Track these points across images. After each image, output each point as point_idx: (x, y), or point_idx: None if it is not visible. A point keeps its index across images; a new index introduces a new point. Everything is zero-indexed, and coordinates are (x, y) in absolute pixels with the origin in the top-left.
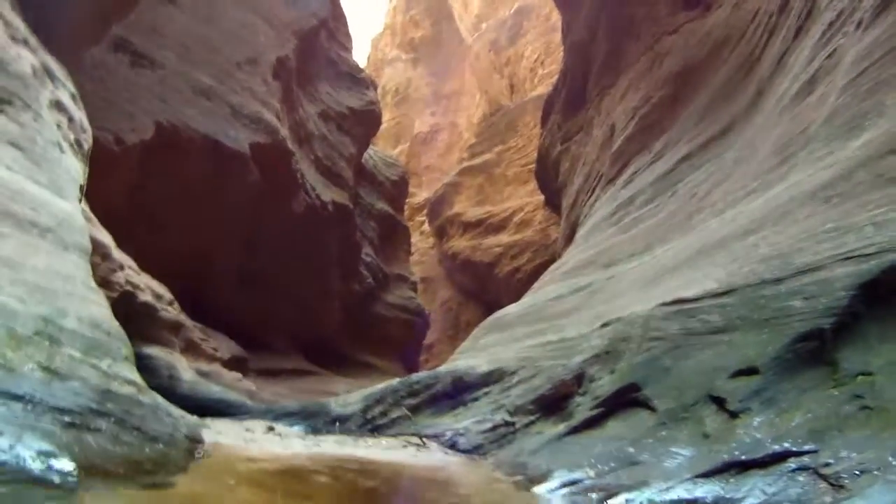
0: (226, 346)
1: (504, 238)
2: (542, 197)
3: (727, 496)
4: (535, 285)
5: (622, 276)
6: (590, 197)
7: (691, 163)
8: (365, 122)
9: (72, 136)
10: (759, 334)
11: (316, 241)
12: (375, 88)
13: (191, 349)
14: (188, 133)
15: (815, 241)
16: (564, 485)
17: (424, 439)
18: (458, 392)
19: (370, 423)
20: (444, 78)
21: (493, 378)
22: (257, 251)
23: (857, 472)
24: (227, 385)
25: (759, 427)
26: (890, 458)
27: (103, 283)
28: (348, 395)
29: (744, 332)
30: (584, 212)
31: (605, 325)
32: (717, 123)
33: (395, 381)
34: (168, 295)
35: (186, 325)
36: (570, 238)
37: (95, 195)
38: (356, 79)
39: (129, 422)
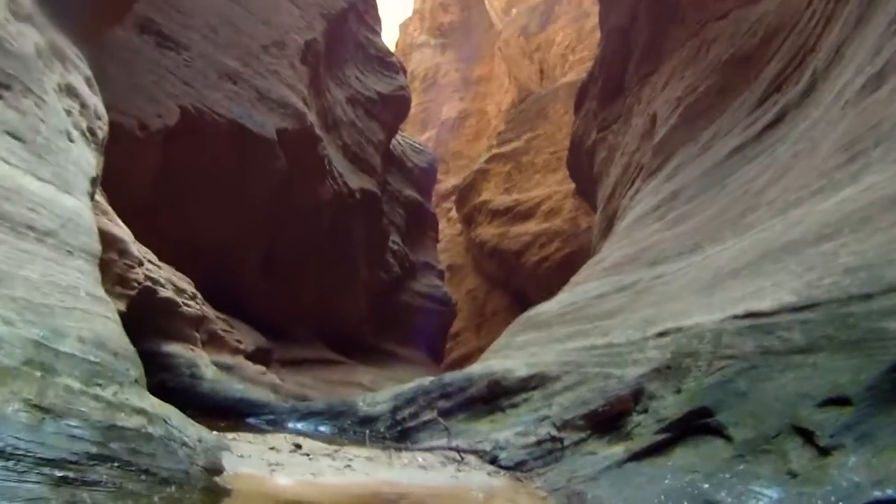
0: (250, 338)
1: (532, 226)
2: (571, 185)
3: None
4: (573, 280)
5: (671, 276)
6: (629, 189)
7: (743, 154)
8: (394, 108)
9: (84, 124)
10: (849, 358)
11: (343, 229)
12: (405, 73)
13: (214, 341)
14: (213, 118)
15: None
16: None
17: (462, 454)
18: (495, 397)
19: (399, 426)
20: (473, 63)
21: (532, 383)
22: (282, 238)
23: None
24: (251, 378)
25: (854, 468)
26: None
27: (120, 280)
28: (376, 394)
29: (831, 354)
30: (622, 204)
31: (661, 334)
32: (768, 115)
33: (426, 381)
34: (190, 289)
35: (209, 318)
36: (606, 231)
37: (118, 182)
38: (385, 63)
39: (136, 464)
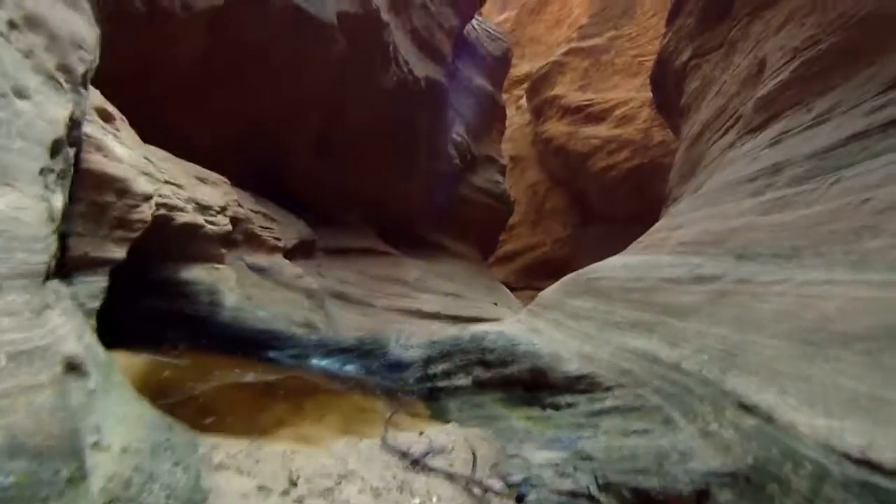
0: (293, 230)
1: (603, 130)
2: (649, 93)
3: None
4: (643, 241)
5: (762, 289)
6: (721, 137)
7: (865, 145)
8: None
9: (52, 62)
10: None
11: (404, 117)
12: None
13: (251, 241)
14: None
15: None
16: None
17: (486, 489)
18: (537, 387)
19: (430, 381)
20: None
21: (581, 385)
22: (339, 123)
23: None
24: (286, 283)
25: None
26: None
27: (120, 223)
28: (411, 335)
29: None
30: (711, 153)
31: (746, 407)
32: None
33: (465, 336)
34: (219, 201)
35: (246, 218)
36: (687, 176)
37: (159, 65)
38: None
39: None
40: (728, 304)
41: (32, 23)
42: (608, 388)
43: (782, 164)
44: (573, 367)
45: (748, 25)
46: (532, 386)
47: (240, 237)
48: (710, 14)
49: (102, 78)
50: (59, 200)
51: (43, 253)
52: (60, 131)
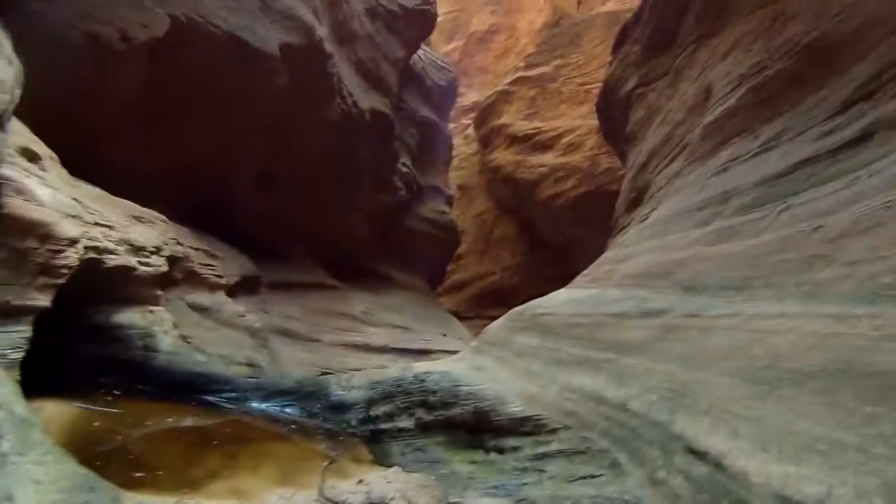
0: (236, 265)
1: (550, 158)
2: (596, 121)
3: None
4: (590, 273)
5: (710, 323)
6: (667, 165)
7: (814, 171)
8: (418, 23)
9: None
10: None
11: (349, 150)
12: None
13: (191, 280)
14: (208, 29)
15: None
16: None
17: None
18: (480, 430)
19: (372, 423)
20: None
21: (525, 427)
22: (283, 156)
23: None
24: (227, 322)
25: None
26: None
27: (43, 270)
28: (353, 377)
29: None
30: (657, 182)
31: (696, 453)
32: (851, 127)
33: (408, 376)
34: (154, 241)
35: (185, 256)
36: (633, 204)
37: (95, 97)
38: None
39: None
40: (676, 339)
41: None
42: (553, 431)
43: (729, 192)
44: (517, 408)
45: (694, 53)
46: (475, 428)
47: (179, 276)
48: (656, 42)
49: (35, 111)
50: None
51: None
52: None
